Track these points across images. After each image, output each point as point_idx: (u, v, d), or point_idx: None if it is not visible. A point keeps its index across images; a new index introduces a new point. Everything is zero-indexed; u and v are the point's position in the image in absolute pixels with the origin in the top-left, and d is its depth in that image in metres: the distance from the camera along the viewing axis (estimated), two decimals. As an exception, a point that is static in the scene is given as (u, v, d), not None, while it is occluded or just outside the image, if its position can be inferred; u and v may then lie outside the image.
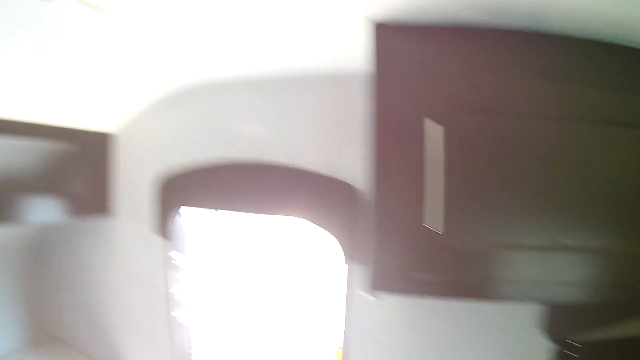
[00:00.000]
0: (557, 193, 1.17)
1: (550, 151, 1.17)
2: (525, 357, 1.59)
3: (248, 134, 2.01)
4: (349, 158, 1.80)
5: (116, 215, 2.41)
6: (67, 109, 2.09)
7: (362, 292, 1.68)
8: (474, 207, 1.18)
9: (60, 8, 1.21)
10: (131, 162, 2.36)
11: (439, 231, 1.16)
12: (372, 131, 1.24)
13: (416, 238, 1.19)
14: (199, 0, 1.24)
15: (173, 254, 2.24)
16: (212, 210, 2.18)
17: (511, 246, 1.17)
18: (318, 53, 1.65)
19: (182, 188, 2.16)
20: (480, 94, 1.19)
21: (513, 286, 1.19)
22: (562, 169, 1.18)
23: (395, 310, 1.75)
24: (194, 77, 2.03)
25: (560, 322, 1.51)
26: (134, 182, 2.34)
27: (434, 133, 1.16)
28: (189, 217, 2.29)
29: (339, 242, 1.81)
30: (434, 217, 1.16)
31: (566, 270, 1.18)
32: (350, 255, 1.78)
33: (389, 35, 1.24)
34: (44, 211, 2.14)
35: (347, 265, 1.81)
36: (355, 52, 1.51)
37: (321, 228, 1.84)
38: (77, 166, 2.38)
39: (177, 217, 2.20)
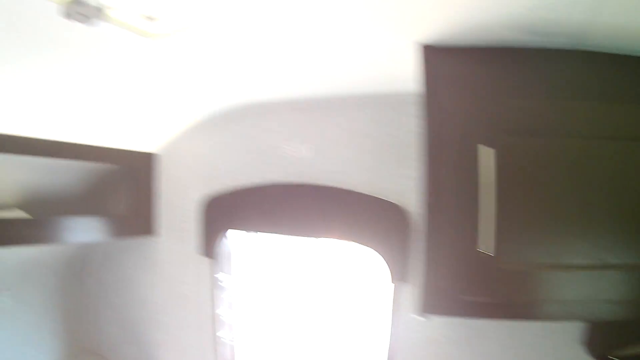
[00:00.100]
0: (603, 212, 1.19)
1: (597, 171, 1.19)
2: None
3: (293, 155, 2.04)
4: (395, 179, 1.82)
5: (160, 235, 2.45)
6: (111, 130, 2.15)
7: (412, 314, 1.68)
8: (523, 228, 1.19)
9: (104, 33, 1.27)
10: (175, 182, 2.40)
11: (489, 252, 1.18)
12: (423, 153, 1.26)
13: (467, 260, 1.21)
14: (244, 24, 1.27)
15: (219, 275, 2.28)
16: (258, 233, 2.21)
17: (559, 266, 1.18)
18: (364, 74, 1.68)
19: (227, 210, 2.19)
20: (526, 115, 1.21)
21: (560, 306, 1.20)
22: (608, 189, 1.19)
23: (441, 329, 1.77)
24: (238, 98, 2.07)
25: (602, 338, 1.54)
26: (178, 202, 2.38)
27: (484, 155, 1.19)
28: (235, 238, 2.32)
29: (386, 261, 1.83)
30: (485, 238, 1.19)
31: (612, 288, 1.19)
32: (397, 274, 1.81)
33: (437, 57, 1.27)
34: (87, 231, 2.19)
35: (393, 285, 1.83)
36: (401, 73, 1.55)
37: (367, 248, 1.87)
38: (121, 186, 2.45)
39: (222, 239, 2.24)
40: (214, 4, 1.20)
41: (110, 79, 1.70)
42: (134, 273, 2.56)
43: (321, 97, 1.96)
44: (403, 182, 1.80)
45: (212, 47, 1.48)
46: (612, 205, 1.19)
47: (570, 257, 1.19)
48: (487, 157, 1.18)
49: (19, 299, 2.37)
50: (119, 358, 2.67)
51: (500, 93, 1.22)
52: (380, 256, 1.85)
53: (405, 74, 1.48)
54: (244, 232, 2.25)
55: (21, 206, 2.16)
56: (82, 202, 2.45)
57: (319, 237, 2.01)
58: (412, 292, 1.78)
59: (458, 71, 1.25)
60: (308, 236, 2.04)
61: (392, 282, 1.83)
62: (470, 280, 1.22)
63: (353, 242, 1.92)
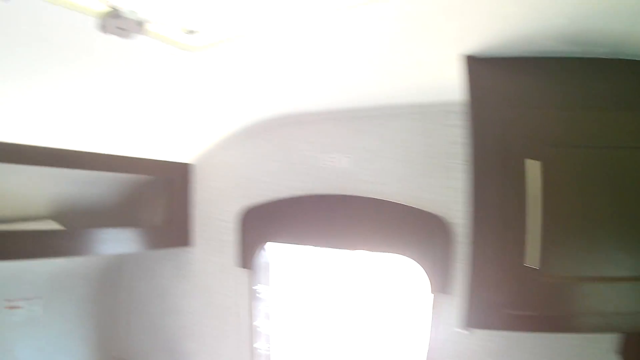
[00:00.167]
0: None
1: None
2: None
3: (332, 166, 2.00)
4: (436, 189, 1.78)
5: (195, 246, 2.44)
6: (146, 141, 2.13)
7: (455, 327, 1.67)
8: (567, 240, 1.19)
9: (142, 46, 1.24)
10: (211, 193, 2.39)
11: (535, 266, 1.16)
12: (468, 164, 1.25)
13: (512, 273, 1.20)
14: (283, 35, 1.25)
15: (257, 286, 2.25)
16: (297, 245, 2.16)
17: (601, 278, 1.17)
18: (405, 84, 1.64)
19: (265, 221, 2.16)
20: (569, 126, 1.20)
21: (600, 318, 1.19)
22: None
23: (479, 340, 1.72)
24: (276, 108, 2.04)
25: (638, 348, 1.49)
26: (214, 213, 2.36)
27: (530, 168, 1.17)
28: (272, 250, 2.29)
29: (426, 272, 1.80)
30: (531, 252, 1.17)
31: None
32: (437, 285, 1.77)
33: (480, 68, 1.25)
34: (121, 242, 2.18)
35: (433, 296, 1.80)
36: (442, 83, 1.52)
37: (407, 259, 1.84)
38: (156, 197, 2.43)
39: (260, 250, 2.21)
40: (253, 17, 1.17)
41: (147, 91, 1.67)
42: (169, 283, 2.55)
43: (360, 107, 1.92)
44: (444, 193, 1.77)
45: (250, 58, 1.44)
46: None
47: (612, 269, 1.18)
48: (533, 170, 1.17)
49: (50, 307, 2.37)
50: (151, 367, 2.67)
51: (543, 104, 1.22)
52: (421, 267, 1.81)
53: (447, 84, 1.47)
54: (282, 243, 2.21)
55: (55, 217, 2.15)
56: (117, 214, 2.45)
57: (357, 249, 1.97)
58: (452, 303, 1.74)
59: (501, 82, 1.25)
60: (346, 248, 2.01)
61: (432, 293, 1.80)
62: (516, 293, 1.21)
63: (392, 253, 1.88)
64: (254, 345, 2.28)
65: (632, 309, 1.16)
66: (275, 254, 2.32)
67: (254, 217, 2.20)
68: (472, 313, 1.24)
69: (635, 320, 1.17)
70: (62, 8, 1.05)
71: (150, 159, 2.24)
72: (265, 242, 2.19)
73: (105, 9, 1.09)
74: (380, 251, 1.91)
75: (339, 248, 2.02)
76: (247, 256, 2.22)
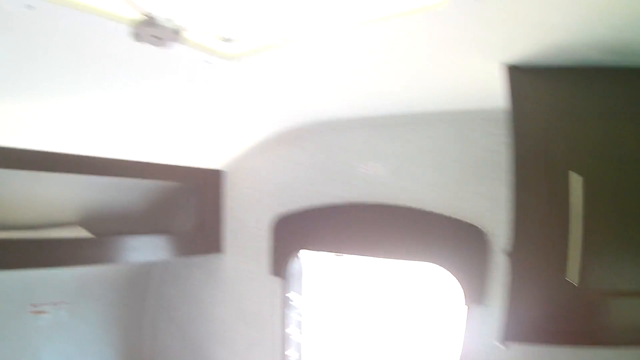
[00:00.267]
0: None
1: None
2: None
3: (367, 174, 1.97)
4: (474, 199, 1.74)
5: (226, 253, 2.42)
6: (178, 148, 2.11)
7: (492, 340, 1.58)
8: (609, 254, 1.16)
9: (177, 53, 1.20)
10: (243, 200, 2.37)
11: (577, 280, 1.14)
12: (510, 176, 1.22)
13: (554, 287, 1.18)
14: (320, 44, 1.22)
15: (290, 294, 2.23)
16: (331, 253, 2.14)
17: None
18: (444, 92, 1.59)
19: (299, 229, 2.13)
20: (612, 138, 1.17)
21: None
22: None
23: (514, 352, 1.61)
24: (310, 115, 1.99)
25: None
26: (245, 220, 2.34)
27: (573, 181, 1.15)
28: (307, 258, 2.27)
29: (460, 283, 1.76)
30: (573, 266, 1.14)
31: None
32: (471, 296, 1.73)
33: (522, 78, 1.23)
34: (151, 250, 2.16)
35: (467, 307, 1.76)
36: (482, 92, 1.49)
37: (442, 269, 1.80)
38: (187, 204, 2.41)
39: (294, 258, 2.19)
40: (290, 25, 1.12)
41: (180, 97, 1.64)
42: (198, 289, 2.53)
43: (396, 113, 1.87)
44: (480, 202, 1.72)
45: (286, 66, 1.39)
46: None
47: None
48: (576, 182, 1.15)
49: (76, 312, 2.36)
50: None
51: (585, 114, 1.20)
52: (455, 278, 1.77)
53: (485, 91, 1.46)
54: (315, 251, 2.18)
55: (83, 224, 2.13)
56: (146, 220, 2.43)
57: (391, 257, 1.94)
58: (486, 315, 1.70)
59: (544, 92, 1.23)
60: (381, 256, 1.98)
61: (466, 304, 1.75)
62: (556, 307, 1.20)
63: (426, 262, 1.85)
64: (285, 353, 2.25)
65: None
66: (308, 261, 2.30)
67: (287, 225, 2.17)
68: (510, 326, 1.22)
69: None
70: (95, 16, 1.00)
71: (181, 166, 2.21)
72: (299, 249, 2.16)
73: (140, 17, 1.03)
74: (415, 260, 1.88)
75: (374, 256, 1.99)
76: (280, 264, 2.19)
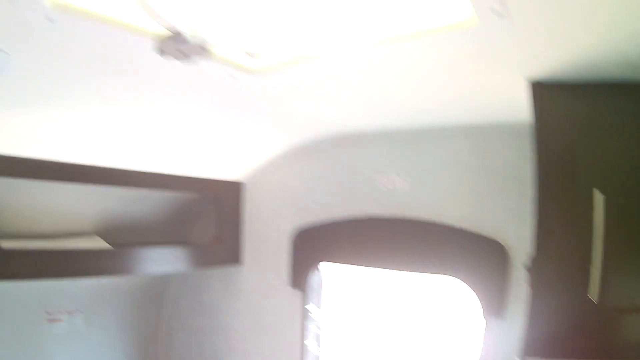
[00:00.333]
0: None
1: None
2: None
3: (388, 187, 1.96)
4: (494, 213, 1.72)
5: (245, 265, 2.41)
6: (198, 159, 2.10)
7: (513, 355, 1.58)
8: (631, 270, 1.16)
9: (201, 67, 1.18)
10: (262, 212, 2.36)
11: (599, 296, 1.14)
12: (534, 191, 1.21)
13: (576, 303, 1.17)
14: (344, 60, 1.21)
15: (309, 306, 2.21)
16: (351, 266, 2.13)
17: None
18: (466, 106, 1.57)
19: (319, 242, 2.13)
20: (636, 155, 1.16)
21: None
22: None
23: None
24: (331, 128, 1.98)
25: None
26: (265, 232, 2.34)
27: (597, 197, 1.14)
28: (326, 270, 2.26)
29: (479, 297, 1.75)
30: (595, 281, 1.14)
31: None
32: (490, 310, 1.72)
33: (548, 94, 1.23)
34: (169, 262, 2.15)
35: (485, 320, 1.74)
36: (505, 106, 1.48)
37: (460, 282, 1.79)
38: (206, 215, 2.40)
39: (314, 270, 2.18)
40: (314, 41, 1.11)
41: (202, 110, 1.64)
42: (216, 300, 2.53)
43: (418, 127, 1.85)
44: (501, 216, 1.71)
45: (310, 80, 1.38)
46: None
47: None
48: (599, 200, 1.14)
49: (92, 320, 2.36)
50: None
51: (610, 131, 1.19)
52: (473, 291, 1.76)
53: (507, 105, 1.46)
54: (335, 264, 2.17)
55: (101, 234, 2.12)
56: (165, 231, 2.43)
57: (411, 270, 1.93)
58: (504, 329, 1.68)
59: (568, 108, 1.23)
60: (401, 270, 1.96)
61: (484, 317, 1.74)
62: (577, 323, 1.20)
63: (446, 276, 1.83)
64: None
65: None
66: (328, 275, 2.29)
67: (308, 238, 2.16)
68: (530, 341, 1.22)
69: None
70: (121, 30, 1.00)
71: (201, 177, 2.21)
72: (318, 262, 2.15)
73: (166, 32, 1.01)
74: (434, 273, 1.87)
75: (393, 269, 1.98)
76: (299, 277, 2.19)
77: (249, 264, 2.40)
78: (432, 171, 1.86)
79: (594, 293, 1.14)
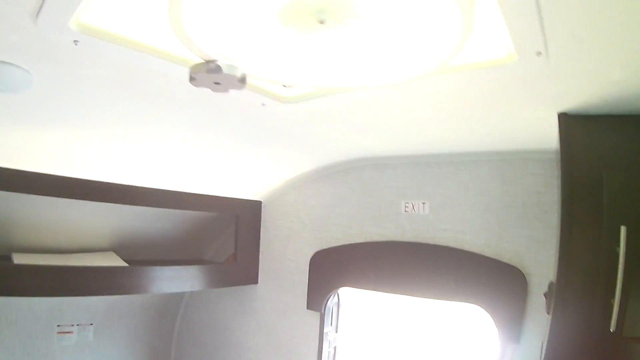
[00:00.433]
0: None
1: None
2: None
3: (409, 211, 1.93)
4: (515, 239, 1.71)
5: (261, 284, 2.39)
6: (220, 180, 2.08)
7: None
8: None
9: (234, 97, 1.15)
10: (282, 232, 2.33)
11: (619, 328, 1.11)
12: (560, 223, 1.21)
13: (596, 336, 1.16)
14: (375, 93, 1.20)
15: (325, 328, 2.17)
16: (369, 291, 2.10)
17: None
18: (490, 133, 1.54)
19: (338, 265, 2.09)
20: None
21: None
22: None
23: None
24: (356, 151, 1.95)
25: None
26: (283, 252, 2.31)
27: (624, 234, 1.11)
28: (345, 294, 2.24)
29: (496, 322, 1.73)
30: (617, 314, 1.11)
31: None
32: (507, 336, 1.69)
33: (576, 125, 1.23)
34: (187, 280, 2.11)
35: (501, 345, 1.72)
36: (528, 133, 1.46)
37: (478, 307, 1.77)
38: (223, 234, 2.40)
39: (332, 293, 2.14)
40: (351, 73, 1.09)
41: (231, 135, 1.62)
42: (230, 318, 2.50)
43: (440, 152, 1.84)
44: (521, 243, 1.70)
45: (340, 109, 1.36)
46: None
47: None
48: (624, 234, 1.11)
49: (102, 333, 2.34)
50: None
51: (636, 163, 1.17)
52: (491, 317, 1.74)
53: (535, 134, 1.45)
54: (353, 288, 2.14)
55: (118, 250, 2.10)
56: (181, 249, 2.41)
57: (430, 297, 1.90)
58: (520, 354, 1.66)
59: (595, 138, 1.22)
60: (419, 296, 1.93)
61: (501, 342, 1.71)
62: (595, 352, 1.18)
63: (464, 302, 1.82)
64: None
65: None
66: (346, 297, 2.27)
67: (326, 260, 2.13)
68: None
69: None
70: (152, 56, 0.97)
71: (220, 196, 2.19)
72: (338, 287, 2.11)
73: (198, 60, 0.94)
74: (453, 300, 1.85)
75: (412, 295, 1.95)
76: (317, 298, 2.15)
77: (265, 283, 2.37)
78: (454, 197, 1.84)
79: (617, 327, 1.12)
